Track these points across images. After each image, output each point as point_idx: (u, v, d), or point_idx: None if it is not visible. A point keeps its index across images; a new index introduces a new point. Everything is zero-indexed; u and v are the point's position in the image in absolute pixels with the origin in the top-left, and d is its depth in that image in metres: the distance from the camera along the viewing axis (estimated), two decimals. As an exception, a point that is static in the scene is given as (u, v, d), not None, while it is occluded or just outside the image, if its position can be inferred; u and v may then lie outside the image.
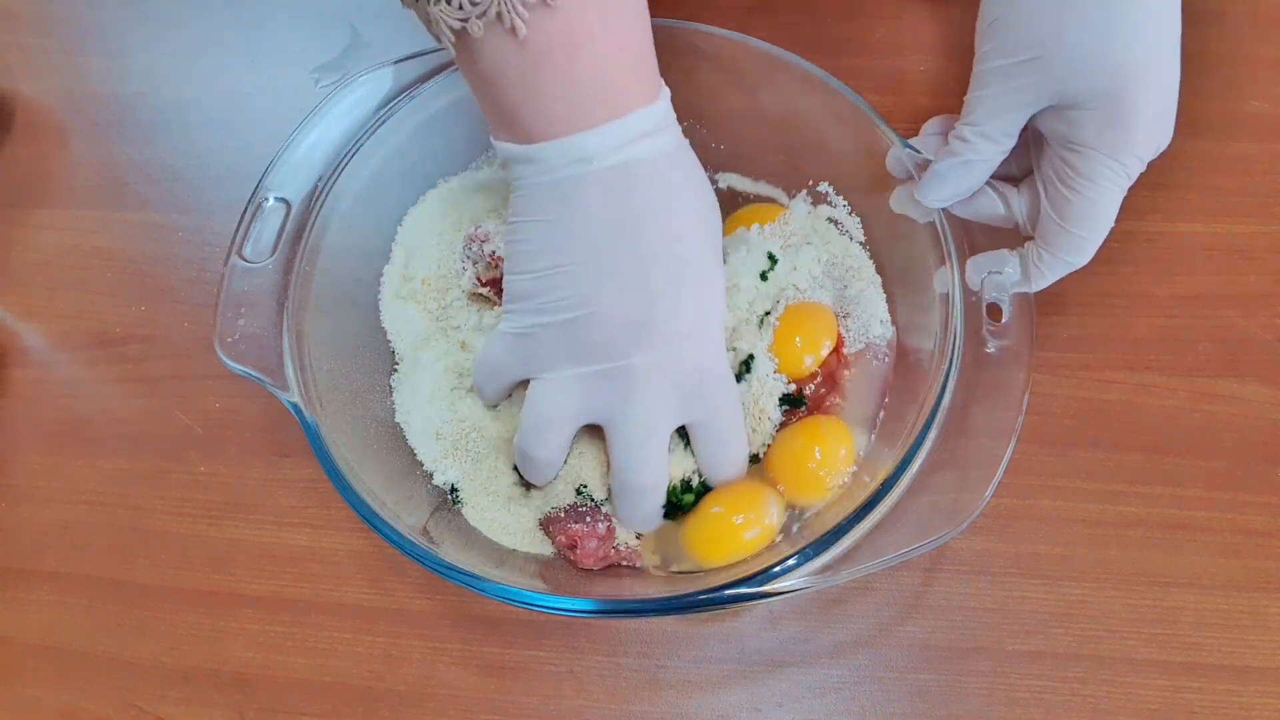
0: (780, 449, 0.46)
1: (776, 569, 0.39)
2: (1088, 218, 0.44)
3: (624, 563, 0.46)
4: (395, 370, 0.50)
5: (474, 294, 0.50)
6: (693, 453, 0.45)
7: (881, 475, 0.41)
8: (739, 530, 0.44)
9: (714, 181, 0.54)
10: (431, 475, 0.48)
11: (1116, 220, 0.44)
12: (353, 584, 0.49)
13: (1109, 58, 0.41)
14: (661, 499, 0.44)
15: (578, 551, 0.45)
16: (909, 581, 0.47)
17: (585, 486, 0.45)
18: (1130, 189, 0.44)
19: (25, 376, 0.56)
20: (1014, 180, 0.48)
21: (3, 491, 0.54)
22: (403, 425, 0.49)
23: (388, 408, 0.49)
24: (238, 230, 0.47)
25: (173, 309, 0.57)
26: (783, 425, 0.46)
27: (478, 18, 0.36)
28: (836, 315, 0.49)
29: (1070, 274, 0.46)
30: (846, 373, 0.47)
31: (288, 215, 0.48)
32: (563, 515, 0.45)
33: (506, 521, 0.47)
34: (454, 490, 0.47)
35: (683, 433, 0.45)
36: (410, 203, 0.53)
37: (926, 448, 0.41)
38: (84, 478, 0.53)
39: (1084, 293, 0.52)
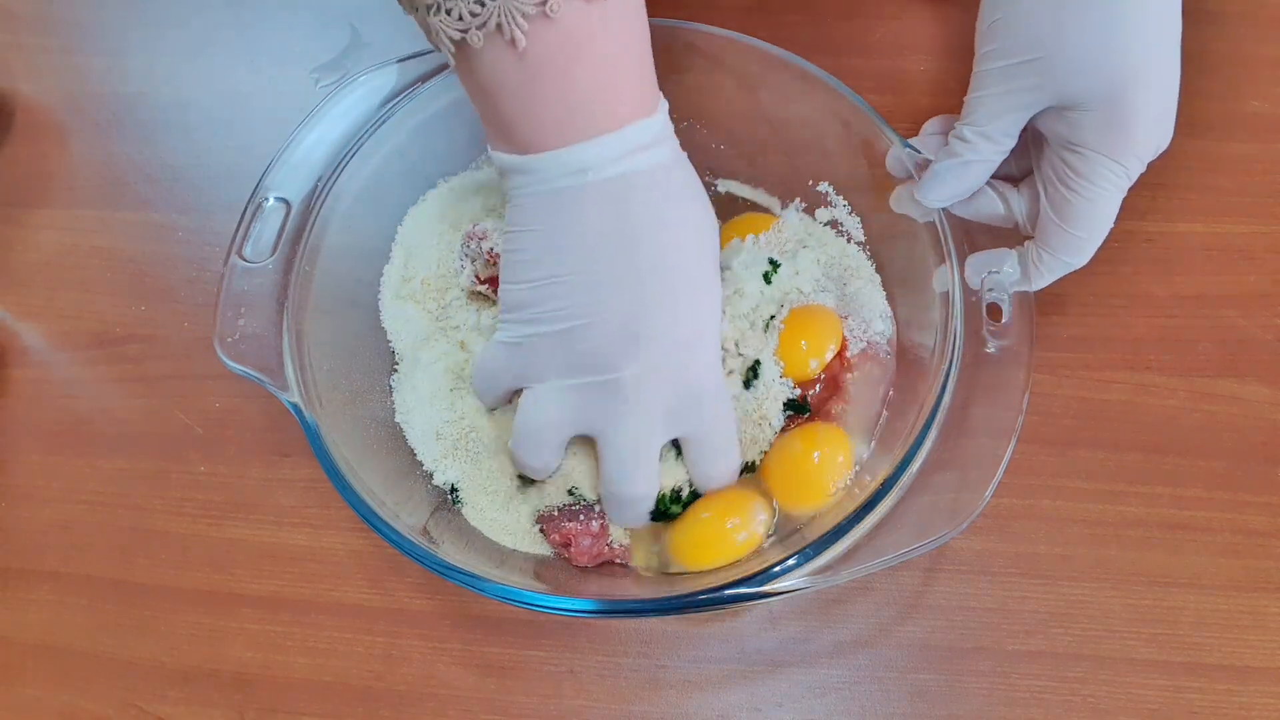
0: (778, 456, 0.46)
1: (776, 569, 0.39)
2: (1087, 218, 0.44)
3: (617, 560, 0.46)
4: (395, 370, 0.50)
5: (473, 292, 0.50)
6: (684, 463, 0.45)
7: (882, 475, 0.41)
8: (725, 535, 0.44)
9: (713, 187, 0.54)
10: (431, 475, 0.48)
11: (1116, 220, 0.44)
12: (353, 584, 0.49)
13: (1109, 59, 0.41)
14: (650, 506, 0.44)
15: (572, 549, 0.45)
16: (909, 581, 0.47)
17: (576, 488, 0.45)
18: (1130, 189, 0.44)
19: (25, 376, 0.56)
20: (1013, 180, 0.48)
21: (3, 491, 0.54)
22: (403, 425, 0.49)
23: (388, 408, 0.49)
24: (238, 230, 0.47)
25: (173, 309, 0.57)
26: (782, 430, 0.46)
27: (477, 29, 0.36)
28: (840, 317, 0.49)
29: (1070, 274, 0.46)
30: (849, 376, 0.46)
31: (288, 215, 0.48)
32: (556, 514, 0.45)
33: (506, 522, 0.47)
34: (454, 490, 0.47)
35: (675, 441, 0.44)
36: (410, 203, 0.53)
37: (926, 448, 0.41)
38: (84, 478, 0.53)
39: (1084, 293, 0.52)
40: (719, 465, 0.44)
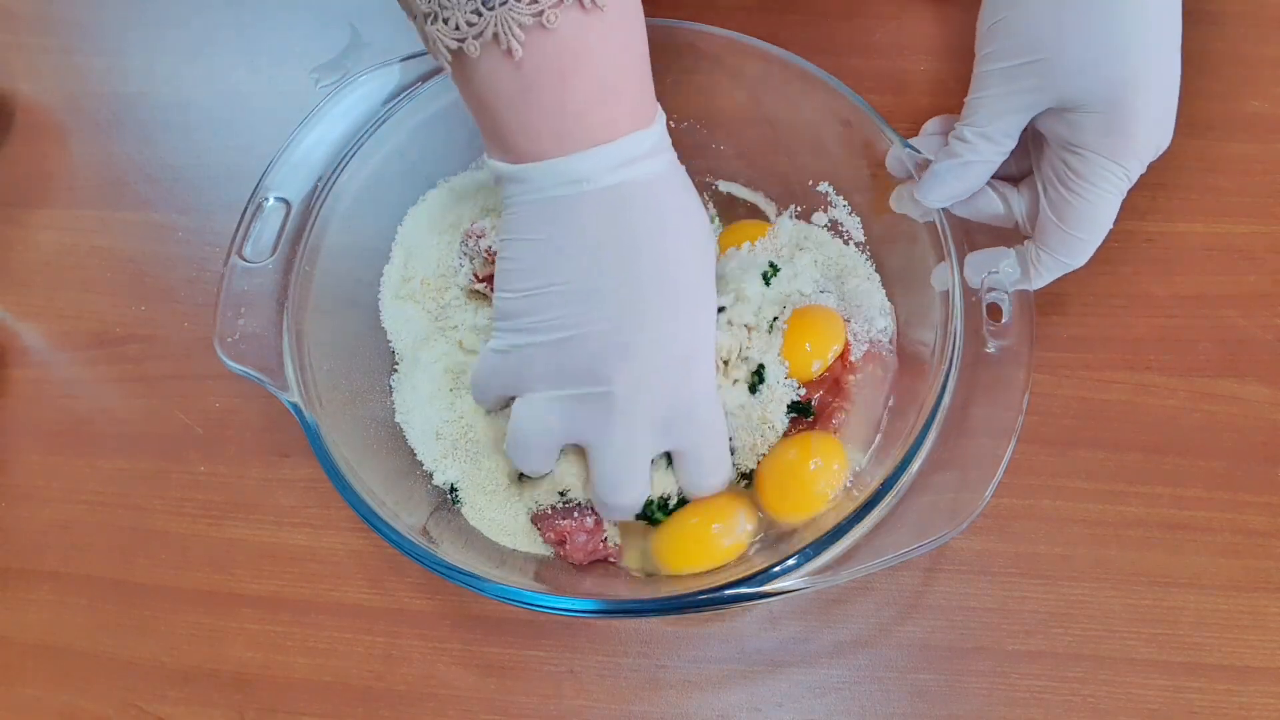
0: (772, 465, 0.45)
1: (776, 569, 0.39)
2: (1087, 219, 0.44)
3: (611, 559, 0.46)
4: (395, 370, 0.50)
5: (471, 290, 0.50)
6: (674, 473, 0.45)
7: (882, 475, 0.41)
8: (708, 540, 0.44)
9: (713, 187, 0.54)
10: (431, 475, 0.48)
11: (1116, 220, 0.44)
12: (353, 584, 0.49)
13: (1110, 61, 0.41)
14: (639, 509, 0.44)
15: (567, 546, 0.45)
16: (909, 581, 0.47)
17: (567, 491, 0.45)
18: (1130, 189, 0.44)
19: (25, 376, 0.56)
20: (1013, 180, 0.48)
21: (3, 491, 0.54)
22: (402, 425, 0.49)
23: (387, 407, 0.49)
24: (238, 230, 0.47)
25: (173, 309, 0.57)
26: (785, 435, 0.46)
27: (474, 38, 0.36)
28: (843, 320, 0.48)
29: (1071, 274, 0.46)
30: (852, 378, 0.46)
31: (288, 215, 0.48)
32: (550, 512, 0.45)
33: (505, 521, 0.47)
34: (453, 490, 0.47)
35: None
36: (410, 202, 0.53)
37: (926, 448, 0.41)
38: (84, 478, 0.53)
39: (1084, 293, 0.52)
40: (709, 478, 0.44)
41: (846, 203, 0.51)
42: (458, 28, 0.36)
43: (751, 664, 0.47)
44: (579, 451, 0.45)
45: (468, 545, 0.45)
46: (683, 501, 0.45)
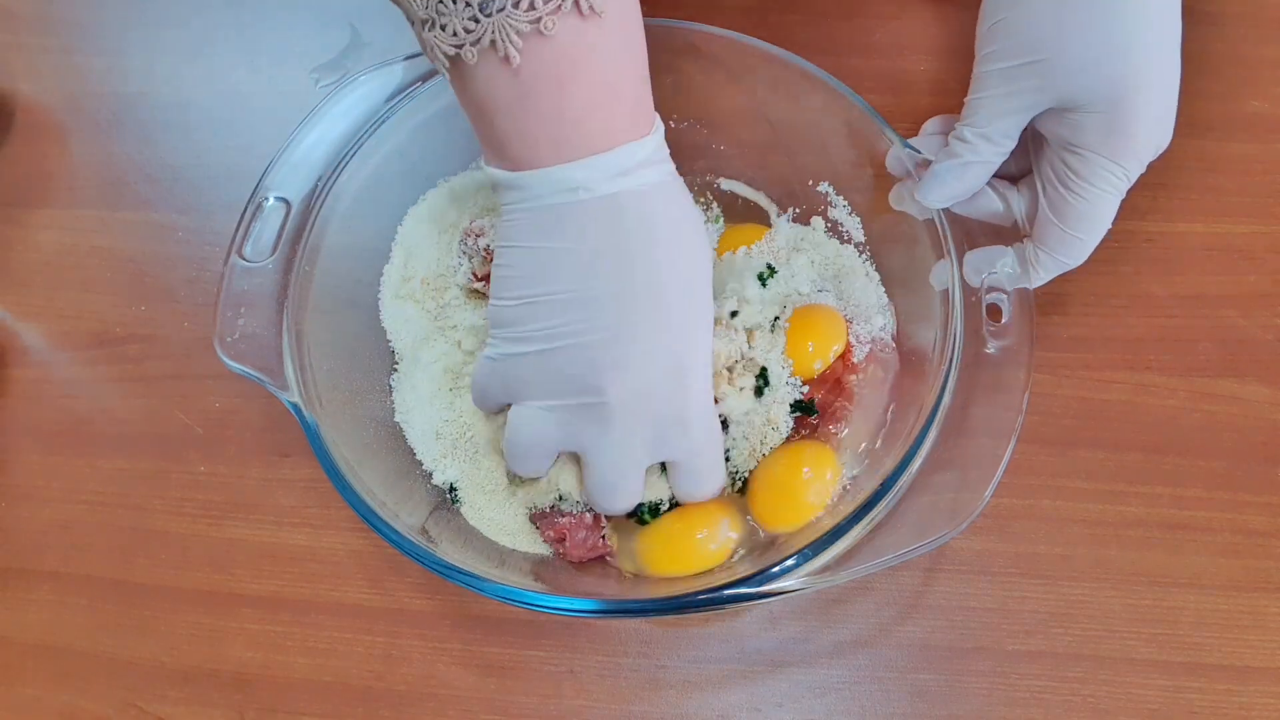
0: (764, 474, 0.45)
1: (776, 569, 0.39)
2: (1086, 219, 0.44)
3: (609, 557, 0.46)
4: (395, 370, 0.50)
5: (470, 289, 0.50)
6: (667, 479, 0.45)
7: (881, 475, 0.41)
8: (692, 546, 0.44)
9: (715, 185, 0.54)
10: (430, 475, 0.48)
11: (1116, 220, 0.44)
12: (353, 584, 0.49)
13: (1111, 62, 0.41)
14: (630, 510, 0.44)
15: (567, 543, 0.45)
16: (909, 581, 0.47)
17: (566, 496, 0.45)
18: (1130, 189, 0.44)
19: (25, 376, 0.56)
20: (1012, 178, 0.48)
21: (3, 491, 0.54)
22: (402, 425, 0.49)
23: (387, 407, 0.49)
24: (238, 230, 0.47)
25: (173, 309, 0.57)
26: (788, 438, 0.46)
27: (472, 45, 0.36)
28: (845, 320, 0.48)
29: (1071, 274, 0.46)
30: (853, 378, 0.46)
31: (288, 215, 0.48)
32: (549, 510, 0.46)
33: (504, 521, 0.47)
34: (452, 489, 0.48)
35: None
36: (410, 202, 0.53)
37: (926, 448, 0.41)
38: (84, 478, 0.53)
39: (1084, 293, 0.52)
40: (703, 487, 0.44)
41: (846, 203, 0.51)
42: (455, 34, 0.36)
43: (751, 664, 0.47)
44: (575, 455, 0.45)
45: (467, 545, 0.45)
46: (674, 505, 0.45)
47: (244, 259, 0.47)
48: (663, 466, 0.44)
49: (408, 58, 0.50)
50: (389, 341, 0.51)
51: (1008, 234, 0.46)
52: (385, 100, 0.50)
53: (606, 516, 0.46)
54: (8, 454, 0.54)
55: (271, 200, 0.48)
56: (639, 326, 0.39)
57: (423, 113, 0.50)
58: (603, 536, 0.45)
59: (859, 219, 0.51)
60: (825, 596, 0.48)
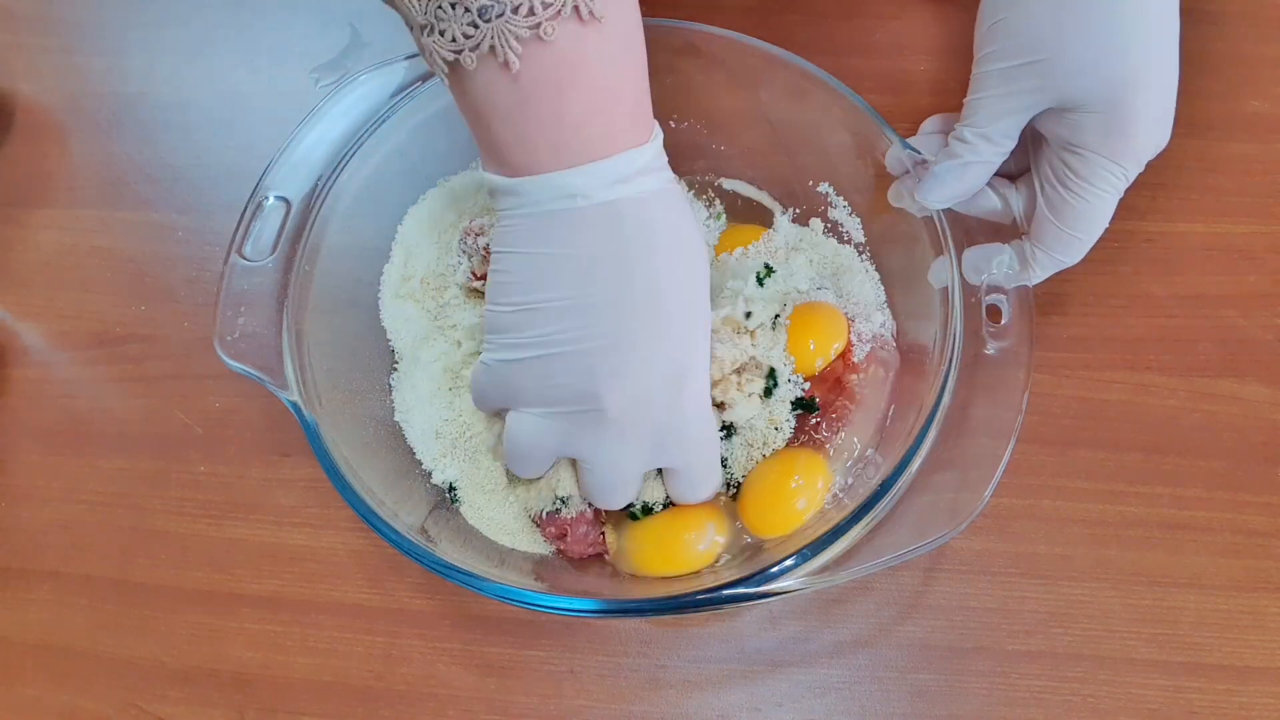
0: (753, 481, 0.45)
1: (776, 569, 0.39)
2: (1084, 219, 0.44)
3: (607, 555, 0.46)
4: (395, 369, 0.50)
5: (470, 288, 0.50)
6: (663, 482, 0.45)
7: (881, 475, 0.41)
8: (677, 547, 0.44)
9: (717, 184, 0.54)
10: (430, 474, 0.48)
11: (1115, 220, 0.44)
12: (353, 584, 0.49)
13: (1109, 62, 0.41)
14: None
15: (568, 539, 0.45)
16: (909, 581, 0.47)
17: (568, 499, 0.45)
18: (1129, 188, 0.44)
19: (25, 376, 0.56)
20: (1010, 177, 0.48)
21: (3, 491, 0.54)
22: (402, 424, 0.49)
23: (387, 407, 0.49)
24: (238, 229, 0.47)
25: (173, 309, 0.57)
26: (790, 439, 0.46)
27: (471, 50, 0.36)
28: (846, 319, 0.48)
29: (1071, 274, 0.46)
30: (854, 377, 0.46)
31: (288, 214, 0.48)
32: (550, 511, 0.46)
33: (504, 521, 0.47)
34: (452, 489, 0.48)
35: None
36: (410, 202, 0.53)
37: (926, 448, 0.41)
38: (84, 478, 0.53)
39: (1084, 293, 0.52)
40: (699, 491, 0.44)
41: (846, 203, 0.51)
42: (454, 40, 0.36)
43: (751, 664, 0.47)
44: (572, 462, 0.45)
45: (466, 544, 0.45)
46: (668, 505, 0.45)
47: (244, 258, 0.47)
48: (658, 470, 0.45)
49: (408, 58, 0.50)
50: (389, 341, 0.51)
51: (1007, 231, 0.46)
52: (385, 100, 0.50)
53: (605, 512, 0.46)
54: (8, 454, 0.54)
55: (271, 200, 0.48)
56: (638, 334, 0.39)
57: (423, 112, 0.50)
58: (602, 533, 0.45)
59: (859, 219, 0.51)
60: (825, 596, 0.48)
